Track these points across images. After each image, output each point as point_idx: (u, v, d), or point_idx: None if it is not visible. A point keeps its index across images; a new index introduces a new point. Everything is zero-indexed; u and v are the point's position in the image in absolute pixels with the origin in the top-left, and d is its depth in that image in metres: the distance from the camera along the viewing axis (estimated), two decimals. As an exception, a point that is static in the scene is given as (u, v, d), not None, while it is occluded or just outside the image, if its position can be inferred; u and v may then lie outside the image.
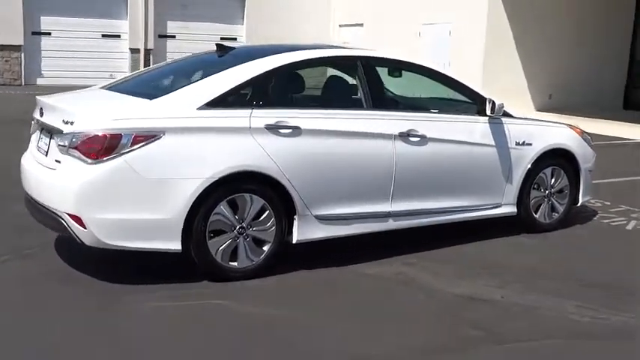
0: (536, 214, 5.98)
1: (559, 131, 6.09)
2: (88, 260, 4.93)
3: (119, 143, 4.23)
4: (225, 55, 5.33)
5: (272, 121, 4.65)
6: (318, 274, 4.85)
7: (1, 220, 5.86)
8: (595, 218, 6.60)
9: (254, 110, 4.64)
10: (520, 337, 3.94)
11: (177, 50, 21.42)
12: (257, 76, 4.75)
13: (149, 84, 5.21)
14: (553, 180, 6.04)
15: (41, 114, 4.74)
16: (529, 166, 5.81)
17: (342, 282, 4.76)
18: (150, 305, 4.20)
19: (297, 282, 4.72)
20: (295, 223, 4.78)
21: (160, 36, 21.50)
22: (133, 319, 4.03)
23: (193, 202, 4.36)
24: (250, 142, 4.56)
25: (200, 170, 4.39)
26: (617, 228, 6.32)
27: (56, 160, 4.44)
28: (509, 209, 5.81)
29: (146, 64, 20.96)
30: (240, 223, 4.58)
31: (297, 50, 5.09)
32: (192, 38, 21.65)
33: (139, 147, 4.26)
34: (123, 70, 21.06)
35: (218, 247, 4.53)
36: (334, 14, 22.88)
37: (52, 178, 4.42)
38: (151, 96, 4.57)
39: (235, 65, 4.82)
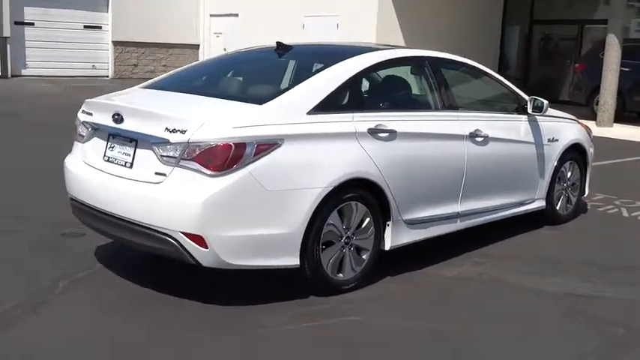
0: (556, 206, 6.24)
1: (574, 127, 6.38)
2: (165, 280, 4.47)
3: (244, 153, 3.84)
4: (290, 54, 5.02)
5: (372, 125, 4.45)
6: (407, 280, 4.71)
7: (13, 241, 5.17)
8: (589, 208, 6.99)
9: (354, 114, 4.42)
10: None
11: (38, 39, 19.81)
12: (352, 77, 4.50)
13: (230, 85, 4.80)
14: (570, 173, 6.32)
15: (117, 120, 4.17)
16: (556, 161, 6.04)
17: (438, 287, 4.65)
18: (290, 327, 3.85)
19: (397, 289, 4.55)
20: (388, 228, 4.62)
21: (17, 23, 19.65)
22: (283, 344, 3.67)
23: (312, 213, 4.08)
24: (357, 148, 4.34)
25: (318, 179, 4.10)
26: (616, 216, 6.75)
27: (158, 173, 3.94)
28: (540, 204, 6.01)
29: (2, 52, 19.17)
30: (346, 233, 4.36)
31: (376, 50, 4.90)
32: (54, 26, 20.10)
33: (262, 157, 3.90)
34: (-24, 58, 19.12)
35: (329, 259, 4.28)
36: (205, 2, 22.24)
37: (157, 193, 3.91)
38: (256, 100, 4.19)
39: (325, 65, 4.54)
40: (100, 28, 20.97)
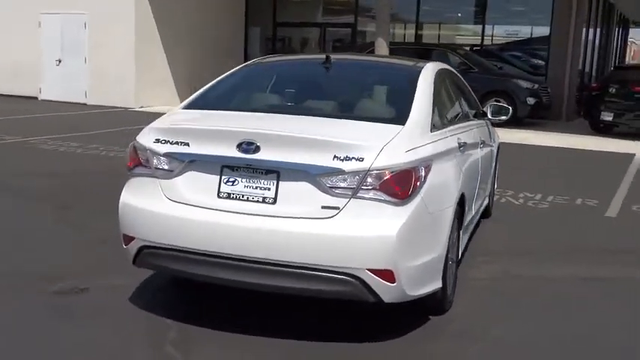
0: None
1: (493, 129, 7.03)
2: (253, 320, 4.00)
3: (419, 177, 3.64)
4: (341, 67, 4.79)
5: (457, 139, 4.50)
6: (468, 286, 4.81)
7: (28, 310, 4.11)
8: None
9: (447, 129, 4.42)
10: None
11: None
12: (434, 93, 4.47)
13: (344, 104, 4.48)
14: (495, 171, 6.97)
15: (250, 150, 3.56)
16: (495, 160, 6.63)
17: (500, 289, 4.86)
18: (469, 351, 3.78)
19: (478, 297, 4.67)
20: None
21: None
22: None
23: (450, 231, 4.02)
24: (458, 163, 4.36)
25: (450, 197, 4.06)
26: (511, 204, 7.59)
27: (327, 207, 3.50)
28: (487, 200, 6.54)
29: None
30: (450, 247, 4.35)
31: (427, 62, 4.88)
32: None
33: (426, 180, 3.72)
34: None
35: (449, 277, 4.23)
36: None
37: (329, 229, 3.47)
38: (391, 120, 3.95)
39: (410, 80, 4.42)
40: None
